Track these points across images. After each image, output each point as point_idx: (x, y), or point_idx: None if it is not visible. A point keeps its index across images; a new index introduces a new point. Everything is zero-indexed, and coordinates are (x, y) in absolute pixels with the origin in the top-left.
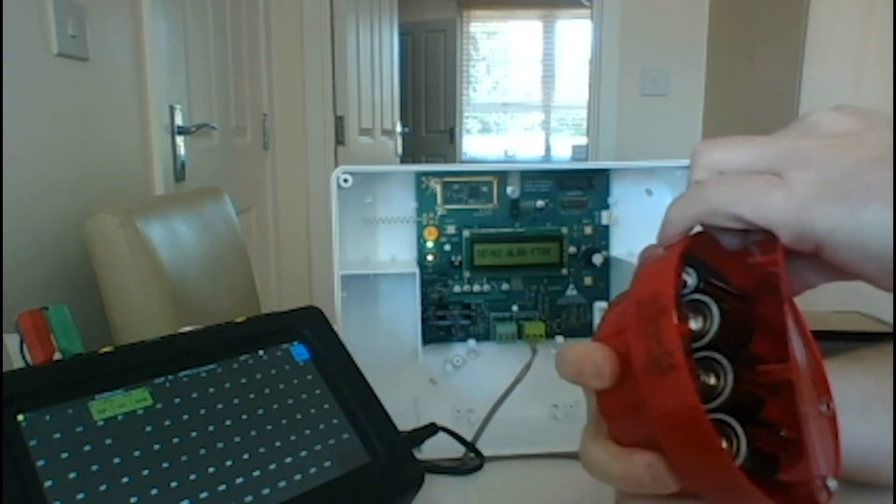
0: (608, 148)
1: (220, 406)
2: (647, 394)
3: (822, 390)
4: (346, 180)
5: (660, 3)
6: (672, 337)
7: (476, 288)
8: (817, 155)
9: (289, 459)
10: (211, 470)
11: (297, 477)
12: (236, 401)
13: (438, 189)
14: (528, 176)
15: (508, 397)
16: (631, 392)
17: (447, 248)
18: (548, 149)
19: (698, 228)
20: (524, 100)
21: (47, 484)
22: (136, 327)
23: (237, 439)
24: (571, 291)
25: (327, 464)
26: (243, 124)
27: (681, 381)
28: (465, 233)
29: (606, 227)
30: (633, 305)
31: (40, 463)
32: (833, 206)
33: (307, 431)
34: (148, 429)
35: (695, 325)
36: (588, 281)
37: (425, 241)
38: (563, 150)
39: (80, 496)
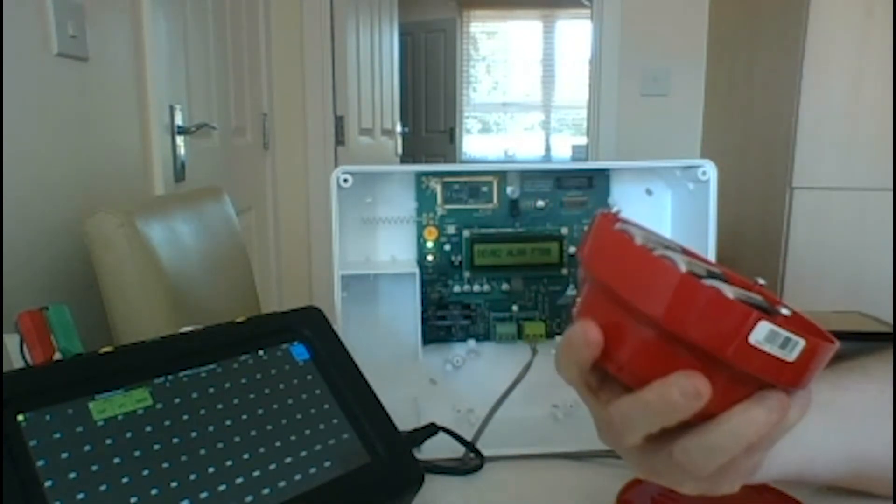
0: (608, 148)
1: (219, 406)
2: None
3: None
4: (346, 180)
5: (660, 3)
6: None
7: (476, 288)
8: None
9: (289, 459)
10: (211, 470)
11: (297, 477)
12: (236, 401)
13: (438, 189)
14: (528, 176)
15: (508, 397)
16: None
17: (447, 248)
18: (548, 149)
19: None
20: (524, 100)
21: (47, 484)
22: (136, 327)
23: (237, 439)
24: (571, 291)
25: (327, 464)
26: (243, 124)
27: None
28: (465, 233)
29: None
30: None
31: (40, 463)
32: None
33: (307, 431)
34: (148, 429)
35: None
36: None
37: (425, 241)
38: (563, 150)
39: (80, 496)
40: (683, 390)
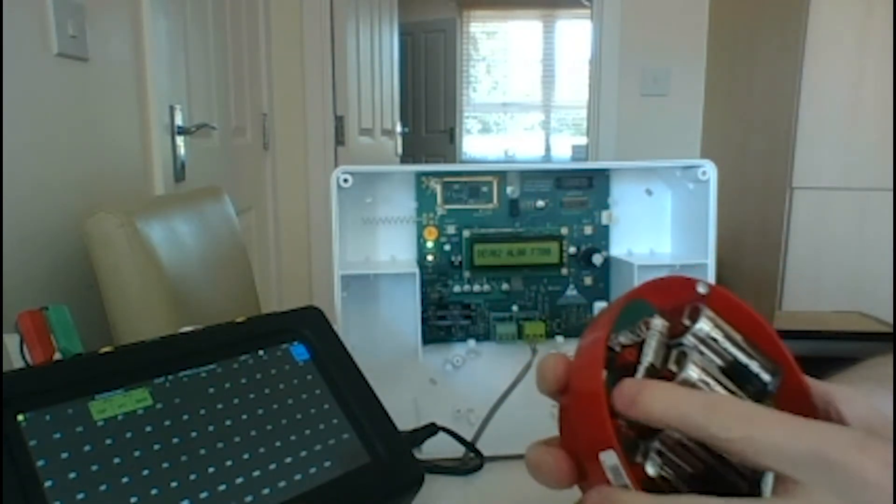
0: (608, 148)
1: (219, 406)
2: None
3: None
4: (346, 180)
5: (660, 3)
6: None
7: (476, 288)
8: None
9: (289, 459)
10: (211, 470)
11: (297, 477)
12: (236, 401)
13: (438, 189)
14: (528, 176)
15: (508, 397)
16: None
17: (447, 248)
18: (548, 149)
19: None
20: (524, 100)
21: (47, 484)
22: (136, 327)
23: (237, 439)
24: (571, 291)
25: (327, 464)
26: (243, 124)
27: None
28: (465, 233)
29: (606, 227)
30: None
31: (40, 463)
32: None
33: (307, 431)
34: (148, 429)
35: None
36: (588, 281)
37: (425, 241)
38: (563, 150)
39: (80, 496)
40: (546, 470)
